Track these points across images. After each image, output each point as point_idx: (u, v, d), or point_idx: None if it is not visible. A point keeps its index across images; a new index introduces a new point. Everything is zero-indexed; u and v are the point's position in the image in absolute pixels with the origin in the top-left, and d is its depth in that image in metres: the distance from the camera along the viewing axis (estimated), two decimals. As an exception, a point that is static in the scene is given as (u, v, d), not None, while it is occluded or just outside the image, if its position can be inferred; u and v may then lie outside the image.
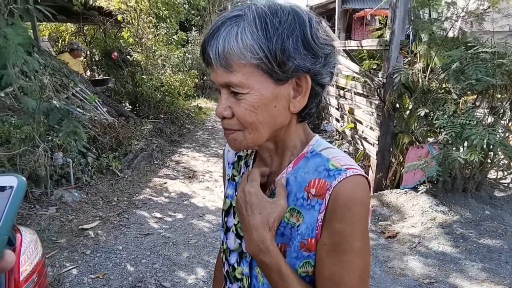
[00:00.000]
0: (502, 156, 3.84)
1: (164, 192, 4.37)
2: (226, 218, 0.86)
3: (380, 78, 4.17)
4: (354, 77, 5.11)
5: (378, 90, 4.19)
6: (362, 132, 4.81)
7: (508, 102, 3.77)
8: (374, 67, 5.31)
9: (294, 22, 0.64)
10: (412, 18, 4.08)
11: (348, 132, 5.41)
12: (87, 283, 2.66)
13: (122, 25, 6.85)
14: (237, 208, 0.75)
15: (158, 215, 3.79)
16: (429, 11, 4.33)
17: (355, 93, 5.08)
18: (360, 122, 4.94)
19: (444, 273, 2.83)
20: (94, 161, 4.40)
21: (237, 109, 0.67)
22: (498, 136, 3.37)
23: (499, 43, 3.78)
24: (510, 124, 3.88)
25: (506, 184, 4.30)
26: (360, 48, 5.24)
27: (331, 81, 0.72)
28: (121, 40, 7.38)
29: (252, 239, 0.70)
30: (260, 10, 0.64)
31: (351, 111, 5.21)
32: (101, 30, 9.34)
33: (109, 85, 8.27)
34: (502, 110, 3.81)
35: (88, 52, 10.11)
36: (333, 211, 0.67)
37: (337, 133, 6.21)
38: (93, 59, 9.89)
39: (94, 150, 4.59)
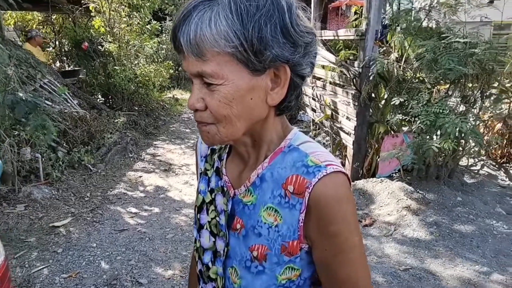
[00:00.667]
0: (473, 144, 3.95)
1: (139, 186, 4.26)
2: (199, 215, 0.81)
3: (356, 68, 4.18)
4: (329, 67, 5.11)
5: (354, 80, 4.20)
6: (339, 122, 4.83)
7: (479, 91, 3.86)
8: (350, 57, 5.33)
9: (272, 8, 0.59)
10: (387, 8, 4.10)
11: (324, 122, 5.43)
12: (59, 283, 2.56)
13: (92, 14, 6.59)
14: None
15: (134, 210, 3.70)
16: (398, 2, 4.36)
17: (331, 83, 5.09)
18: (337, 112, 4.96)
19: (419, 259, 2.89)
20: (65, 156, 4.25)
21: (210, 101, 0.62)
22: (469, 124, 3.45)
23: (471, 33, 3.85)
24: (480, 113, 3.98)
25: (476, 171, 4.43)
26: (336, 38, 5.24)
27: (312, 72, 0.68)
28: (91, 30, 7.10)
29: None
30: None
31: (328, 101, 5.22)
32: (70, 19, 8.98)
33: (79, 76, 7.98)
34: (473, 99, 3.89)
35: (56, 42, 9.72)
36: (321, 213, 0.64)
37: (313, 123, 6.23)
38: (62, 50, 9.52)
39: (64, 144, 4.42)
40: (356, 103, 4.16)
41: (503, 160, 4.61)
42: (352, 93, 4.32)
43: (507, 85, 4.06)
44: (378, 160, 4.09)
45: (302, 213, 0.65)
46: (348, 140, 4.45)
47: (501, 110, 4.19)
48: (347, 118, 4.56)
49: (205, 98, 0.63)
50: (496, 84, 3.97)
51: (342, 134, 4.74)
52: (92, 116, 5.05)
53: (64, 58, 9.39)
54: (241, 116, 0.64)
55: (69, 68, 8.71)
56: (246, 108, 0.63)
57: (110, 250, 2.99)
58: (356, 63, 4.27)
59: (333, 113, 5.08)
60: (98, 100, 6.99)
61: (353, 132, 4.29)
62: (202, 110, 0.64)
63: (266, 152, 0.72)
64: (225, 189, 0.75)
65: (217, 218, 0.76)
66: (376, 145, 4.26)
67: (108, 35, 6.57)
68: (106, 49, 6.54)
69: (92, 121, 4.94)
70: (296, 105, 0.71)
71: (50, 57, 9.21)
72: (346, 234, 0.65)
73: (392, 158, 3.66)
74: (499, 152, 4.65)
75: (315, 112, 6.01)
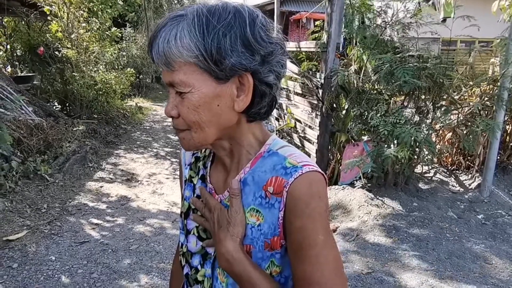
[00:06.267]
0: (427, 152, 4.19)
1: (100, 197, 4.12)
2: (185, 221, 0.84)
3: (318, 79, 4.33)
4: (291, 77, 5.25)
5: (317, 90, 4.35)
6: (302, 131, 4.96)
7: (431, 103, 4.13)
8: (311, 69, 5.50)
9: (234, 21, 0.65)
10: (346, 23, 4.30)
11: (288, 131, 5.55)
12: (15, 300, 2.42)
13: (49, 17, 6.34)
14: (207, 227, 0.78)
15: (95, 221, 3.57)
16: (362, 17, 4.58)
17: (294, 93, 5.22)
18: (299, 121, 5.09)
19: (380, 262, 3.02)
20: (19, 166, 4.02)
21: (181, 108, 0.68)
22: (423, 133, 3.67)
23: (423, 48, 4.12)
24: (433, 123, 4.25)
25: (429, 178, 4.70)
26: (298, 49, 5.39)
27: (279, 81, 0.72)
28: (48, 34, 6.82)
29: (220, 253, 0.72)
30: (200, 10, 0.65)
31: (291, 111, 5.34)
32: (23, 22, 8.57)
33: (34, 82, 7.61)
34: (426, 110, 4.15)
35: (8, 46, 9.21)
36: (292, 208, 0.68)
37: (277, 132, 6.33)
38: (15, 54, 9.04)
39: (19, 154, 4.19)
40: (319, 113, 4.30)
41: (453, 167, 4.93)
42: (314, 103, 4.46)
43: (455, 97, 4.37)
44: (340, 168, 4.23)
45: (281, 211, 0.69)
46: (311, 149, 4.58)
47: (451, 121, 4.49)
48: (310, 127, 4.69)
49: (178, 105, 0.69)
50: (445, 96, 4.26)
51: (305, 142, 4.87)
52: (48, 124, 4.83)
53: (16, 63, 8.91)
54: (209, 121, 0.68)
55: (22, 74, 8.29)
56: (213, 114, 0.68)
57: (70, 263, 2.86)
58: (318, 74, 4.42)
59: (296, 122, 5.20)
60: (54, 107, 6.70)
61: (316, 141, 4.42)
62: (176, 118, 0.70)
63: (247, 156, 0.75)
64: (211, 194, 0.79)
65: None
66: (338, 154, 4.41)
67: (66, 40, 6.34)
68: (63, 55, 6.31)
69: (49, 129, 4.73)
70: (270, 113, 0.75)
71: (0, 61, 8.72)
72: (309, 231, 0.67)
73: (353, 166, 3.81)
74: (450, 160, 4.97)
75: (278, 121, 6.12)
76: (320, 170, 0.70)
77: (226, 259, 0.70)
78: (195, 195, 0.82)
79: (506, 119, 4.42)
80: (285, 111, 5.60)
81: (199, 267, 0.80)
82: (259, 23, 0.66)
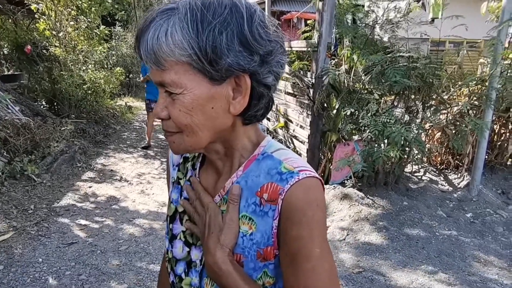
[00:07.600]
0: (416, 151, 4.22)
1: (89, 197, 4.06)
2: (171, 225, 0.79)
3: (310, 79, 4.33)
4: (282, 76, 5.24)
5: (308, 90, 4.35)
6: (293, 130, 4.95)
7: (421, 103, 4.15)
8: (302, 68, 5.51)
9: (230, 16, 0.59)
10: (336, 22, 4.31)
11: (279, 130, 5.54)
12: (0, 303, 2.37)
13: (36, 15, 6.23)
14: (198, 229, 0.73)
15: (83, 221, 3.51)
16: (352, 17, 4.60)
17: (285, 93, 5.21)
18: (290, 121, 5.09)
19: (371, 262, 3.03)
20: (5, 166, 3.95)
21: (172, 110, 0.62)
22: (413, 133, 3.69)
23: (413, 48, 4.14)
24: (423, 122, 4.28)
25: (419, 177, 4.73)
26: (289, 48, 5.39)
27: (277, 81, 0.67)
28: (35, 33, 6.71)
29: (207, 263, 0.67)
30: (194, 3, 0.59)
31: (282, 111, 5.34)
32: (10, 21, 8.42)
33: (21, 81, 7.49)
34: (416, 109, 4.18)
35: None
36: (288, 217, 0.63)
37: (268, 132, 6.32)
38: (1, 53, 8.88)
39: (5, 154, 4.11)
40: (310, 113, 4.30)
41: (442, 166, 4.97)
42: (305, 103, 4.45)
43: (445, 97, 4.41)
44: (331, 167, 4.24)
45: (276, 219, 0.64)
46: (302, 148, 4.58)
47: (440, 120, 4.53)
48: (301, 127, 4.69)
49: (168, 107, 0.63)
50: (435, 96, 4.29)
51: (296, 142, 4.86)
52: (36, 124, 4.75)
53: (3, 61, 8.76)
54: (203, 125, 0.63)
55: (9, 73, 8.15)
56: (207, 117, 0.63)
57: (58, 265, 2.81)
58: (309, 74, 4.42)
59: (287, 122, 5.20)
60: (42, 106, 6.60)
61: (307, 140, 4.42)
62: (166, 119, 0.64)
63: (240, 159, 0.70)
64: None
65: None
66: (329, 153, 4.42)
67: (54, 39, 6.24)
68: (51, 53, 6.21)
69: (36, 129, 4.66)
70: (266, 115, 0.70)
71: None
72: (306, 241, 0.63)
73: (344, 166, 3.81)
74: (439, 159, 5.01)
75: (269, 120, 6.11)
76: (317, 175, 0.66)
77: (214, 271, 0.66)
78: (182, 198, 0.77)
79: (494, 118, 4.47)
80: (276, 110, 5.59)
81: (183, 275, 0.75)
82: (257, 19, 0.61)
